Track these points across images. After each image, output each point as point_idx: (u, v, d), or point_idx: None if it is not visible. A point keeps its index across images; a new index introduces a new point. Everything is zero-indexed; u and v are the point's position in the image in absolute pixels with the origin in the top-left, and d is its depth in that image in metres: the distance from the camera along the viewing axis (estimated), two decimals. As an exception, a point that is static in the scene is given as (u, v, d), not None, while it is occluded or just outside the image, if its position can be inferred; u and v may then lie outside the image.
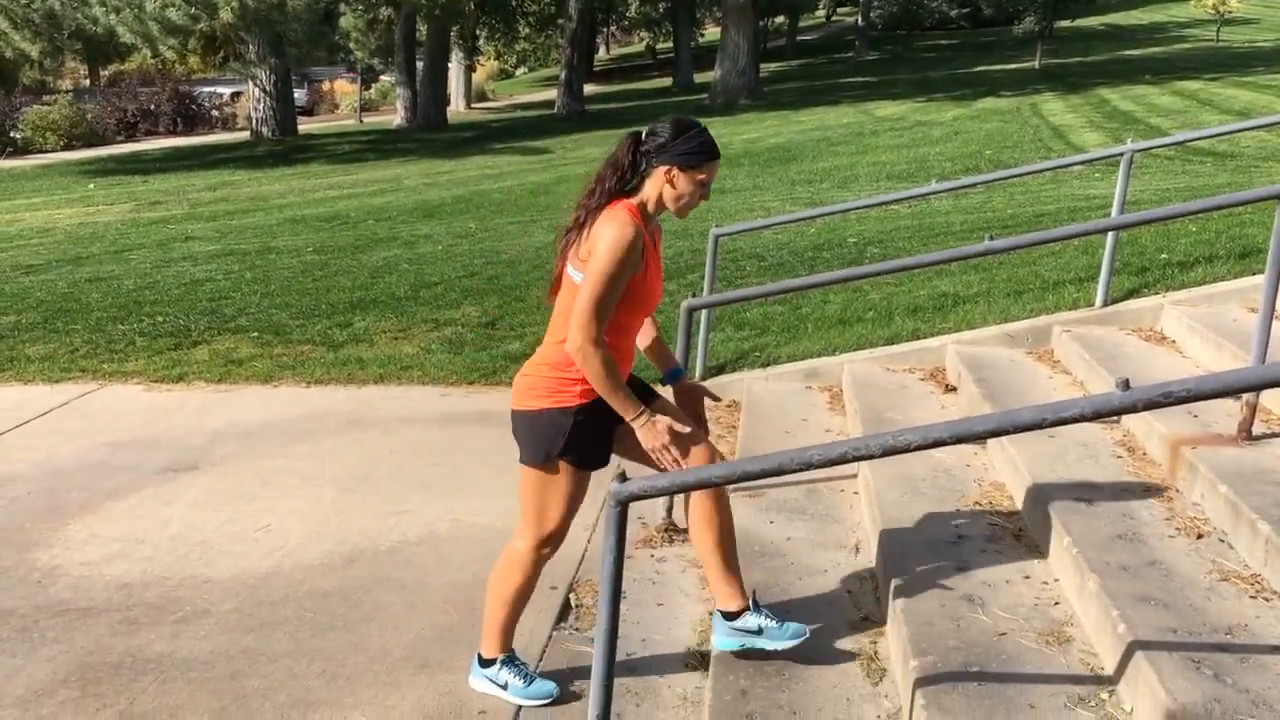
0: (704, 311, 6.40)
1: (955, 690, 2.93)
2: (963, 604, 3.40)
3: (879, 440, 2.39)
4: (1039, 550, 3.79)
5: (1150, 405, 2.34)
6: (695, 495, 3.28)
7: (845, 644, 3.46)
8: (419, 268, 9.83)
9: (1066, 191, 11.37)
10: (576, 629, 3.80)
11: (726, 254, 8.82)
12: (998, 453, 4.58)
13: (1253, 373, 2.39)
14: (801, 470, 2.44)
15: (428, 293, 8.70)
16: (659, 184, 3.05)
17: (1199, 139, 8.80)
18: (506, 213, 14.42)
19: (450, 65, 37.85)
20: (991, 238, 4.25)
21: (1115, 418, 4.67)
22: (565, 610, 3.93)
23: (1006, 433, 2.43)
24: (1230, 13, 36.13)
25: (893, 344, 6.29)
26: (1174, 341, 5.65)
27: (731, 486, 4.82)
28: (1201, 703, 2.63)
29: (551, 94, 37.06)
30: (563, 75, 34.38)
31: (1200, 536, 3.60)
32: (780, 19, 52.16)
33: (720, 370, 6.49)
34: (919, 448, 2.38)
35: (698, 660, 3.54)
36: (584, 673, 3.42)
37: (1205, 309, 5.72)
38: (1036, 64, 32.10)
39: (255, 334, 7.76)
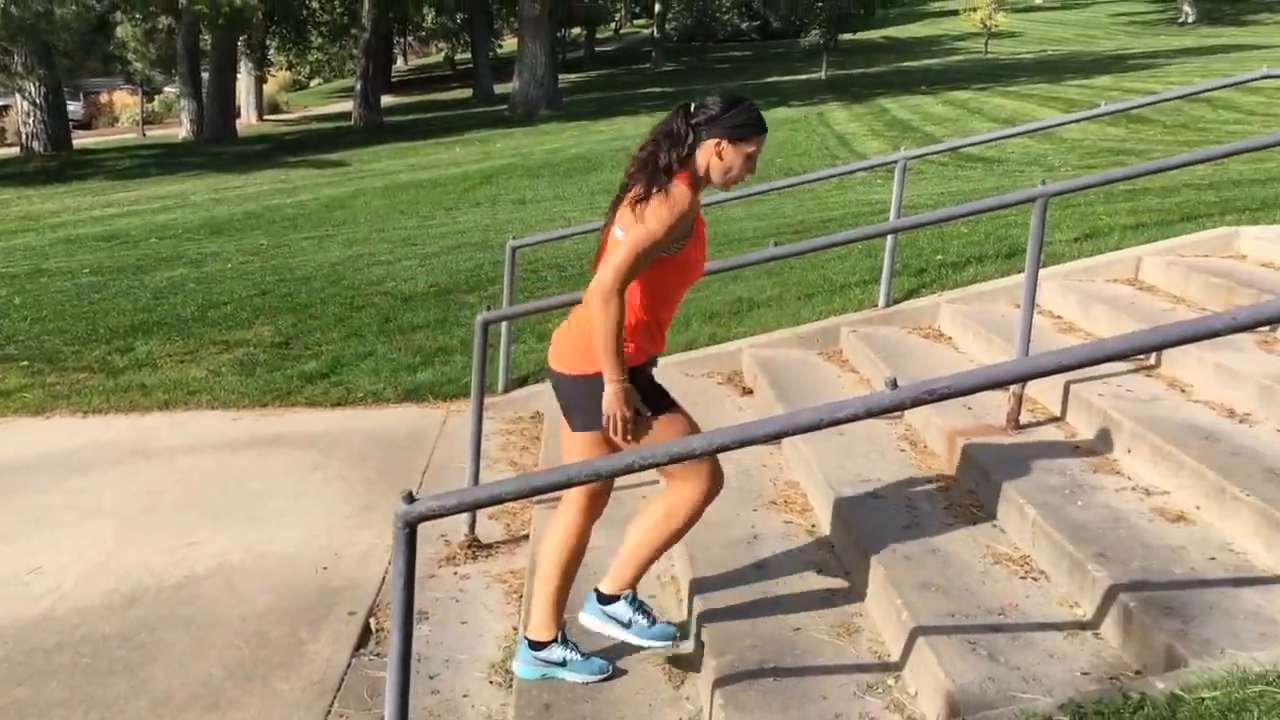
0: (504, 324, 6.36)
1: (752, 687, 2.99)
2: (759, 602, 3.49)
3: (665, 448, 2.42)
4: (831, 545, 3.93)
5: (917, 402, 2.46)
6: (558, 511, 3.24)
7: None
8: (207, 287, 9.41)
9: (851, 197, 11.85)
10: (377, 654, 3.71)
11: (528, 265, 8.80)
12: (791, 452, 4.72)
13: (1009, 366, 2.55)
14: (591, 481, 2.45)
15: (216, 313, 8.33)
16: (707, 156, 3.03)
17: (969, 145, 9.33)
18: (300, 228, 13.98)
19: (239, 76, 36.46)
20: (776, 244, 4.39)
21: (899, 413, 4.90)
22: (365, 636, 3.83)
23: (788, 435, 2.50)
24: (996, 27, 38.45)
25: (691, 349, 6.41)
26: (950, 338, 5.96)
27: (537, 498, 4.81)
28: (977, 682, 2.77)
29: (348, 105, 36.17)
30: (359, 86, 33.62)
31: (975, 523, 3.80)
32: (577, 30, 52.53)
33: (524, 382, 6.47)
34: (705, 453, 2.42)
35: (502, 677, 3.50)
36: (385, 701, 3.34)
37: (977, 306, 6.06)
38: (823, 75, 33.39)
39: (25, 363, 7.26)
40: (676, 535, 3.18)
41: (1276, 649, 2.61)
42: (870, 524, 3.76)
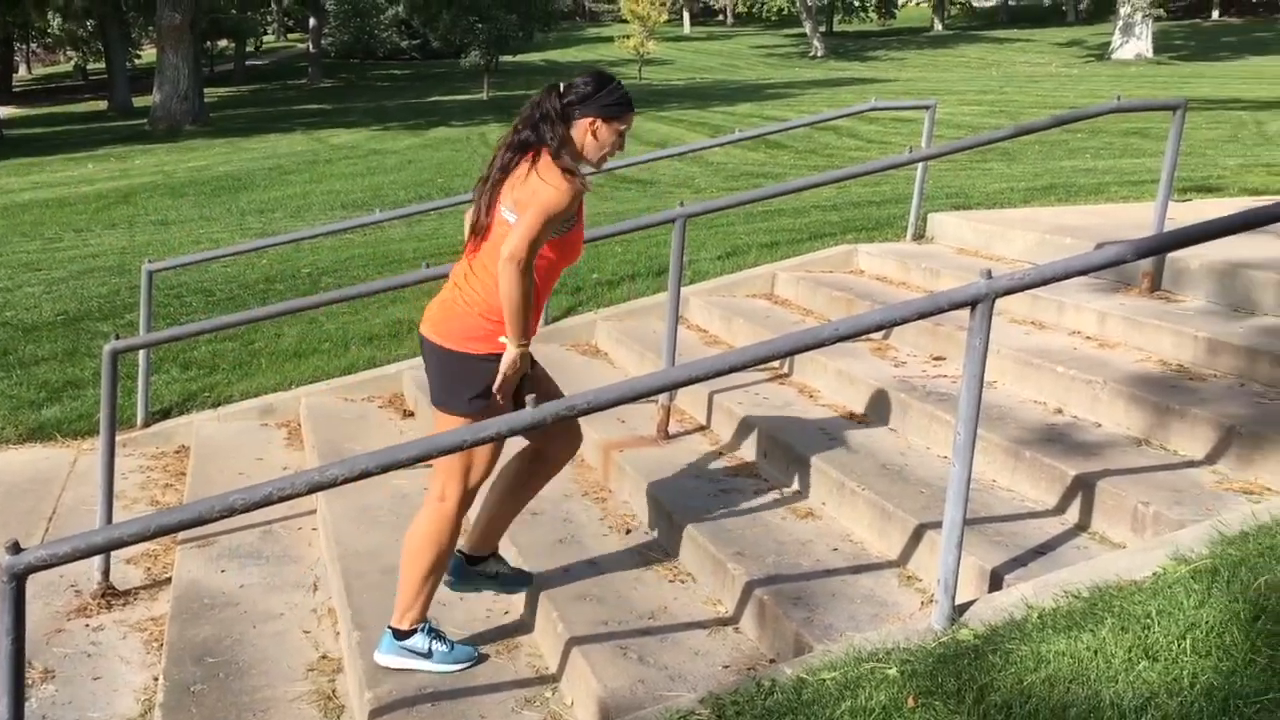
0: (143, 353, 5.94)
1: (410, 715, 2.96)
2: (418, 627, 3.44)
3: (305, 478, 2.35)
4: (490, 563, 3.94)
5: (557, 418, 2.53)
6: (430, 498, 3.13)
7: (301, 685, 3.38)
8: None
9: (513, 217, 11.97)
10: (-7, 724, 3.35)
11: (170, 290, 8.26)
12: (451, 473, 4.70)
13: (643, 381, 2.66)
14: (225, 517, 2.33)
15: None
16: (582, 134, 3.09)
17: (623, 167, 9.69)
18: (-100, 252, 12.42)
19: None
20: (427, 265, 4.37)
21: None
22: (-21, 705, 3.45)
23: (432, 457, 2.50)
24: (649, 54, 40.23)
25: (350, 373, 6.25)
26: (606, 353, 6.17)
27: (180, 537, 4.52)
28: (628, 685, 2.88)
29: (-42, 116, 32.56)
30: (-30, 95, 30.37)
31: (629, 532, 3.95)
32: (225, 42, 50.01)
33: (166, 414, 6.06)
34: (345, 480, 2.37)
35: (142, 733, 3.27)
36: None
37: (630, 323, 6.30)
38: (484, 95, 33.63)
39: None
40: (450, 543, 3.14)
41: (885, 628, 2.89)
42: (527, 540, 3.81)
